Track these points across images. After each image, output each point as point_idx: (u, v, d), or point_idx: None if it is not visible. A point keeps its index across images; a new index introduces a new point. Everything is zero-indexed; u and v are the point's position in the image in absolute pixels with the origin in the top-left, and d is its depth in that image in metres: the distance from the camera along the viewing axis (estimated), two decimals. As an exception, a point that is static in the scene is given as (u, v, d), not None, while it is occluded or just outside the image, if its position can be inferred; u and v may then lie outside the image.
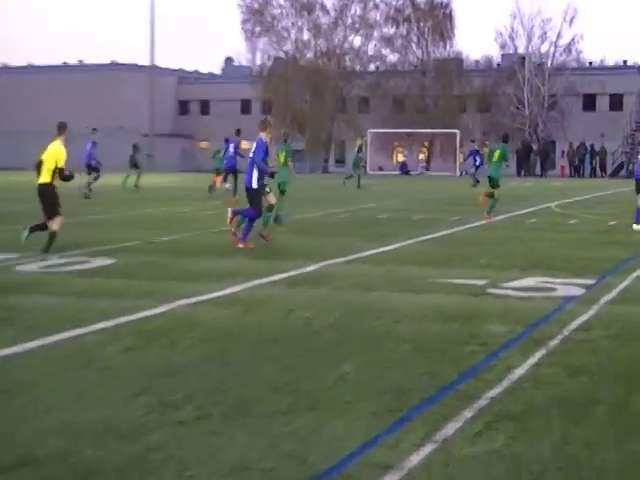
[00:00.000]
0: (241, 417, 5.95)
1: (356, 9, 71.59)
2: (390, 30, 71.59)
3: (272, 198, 17.39)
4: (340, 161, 71.28)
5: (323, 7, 71.51)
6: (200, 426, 5.77)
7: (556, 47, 67.22)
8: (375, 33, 71.84)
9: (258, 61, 75.88)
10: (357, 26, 71.55)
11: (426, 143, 70.84)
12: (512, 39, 68.32)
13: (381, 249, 15.39)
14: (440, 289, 11.12)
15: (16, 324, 8.82)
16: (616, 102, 66.07)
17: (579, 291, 11.04)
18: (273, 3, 71.91)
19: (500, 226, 20.39)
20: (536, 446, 5.46)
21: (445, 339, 8.27)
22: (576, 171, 62.19)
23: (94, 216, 22.14)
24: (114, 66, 76.26)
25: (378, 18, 71.64)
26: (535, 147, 65.51)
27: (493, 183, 21.98)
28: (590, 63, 73.00)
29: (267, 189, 16.75)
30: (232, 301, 10.22)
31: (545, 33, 67.27)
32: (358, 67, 71.95)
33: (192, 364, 7.30)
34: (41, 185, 14.79)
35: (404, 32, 71.37)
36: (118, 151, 49.29)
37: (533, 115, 66.02)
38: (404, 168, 65.85)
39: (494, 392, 6.52)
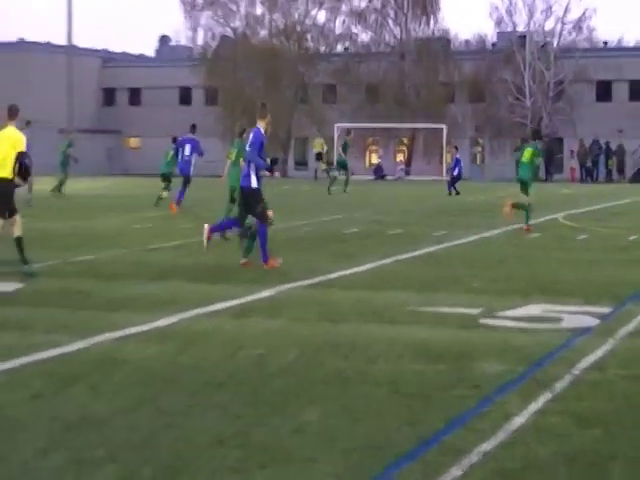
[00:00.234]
0: (176, 477, 5.91)
1: (320, -23, 71.97)
2: (362, 3, 72.08)
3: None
4: (301, 163, 71.41)
5: (280, -26, 71.81)
6: (125, 491, 5.72)
7: (563, 24, 67.97)
8: (343, 7, 72.27)
9: (200, 41, 75.74)
10: (321, -2, 71.81)
11: (406, 140, 71.23)
12: (510, 14, 69.04)
13: (351, 270, 15.41)
14: (423, 320, 11.14)
15: None
16: (636, 90, 66.25)
17: (592, 322, 11.10)
18: (219, -31, 72.08)
19: (496, 242, 20.51)
20: (539, 513, 5.48)
21: (429, 382, 8.28)
22: (588, 174, 62.52)
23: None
24: (22, 45, 75.89)
25: (347, -12, 72.07)
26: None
27: (525, 187, 22.23)
28: (605, 43, 73.59)
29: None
30: (166, 336, 10.17)
31: (550, 7, 67.97)
32: (323, 48, 72.19)
33: (116, 413, 7.25)
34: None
35: (379, 6, 71.85)
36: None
37: (536, 106, 66.43)
38: (379, 172, 65.77)
39: (488, 445, 6.52)
